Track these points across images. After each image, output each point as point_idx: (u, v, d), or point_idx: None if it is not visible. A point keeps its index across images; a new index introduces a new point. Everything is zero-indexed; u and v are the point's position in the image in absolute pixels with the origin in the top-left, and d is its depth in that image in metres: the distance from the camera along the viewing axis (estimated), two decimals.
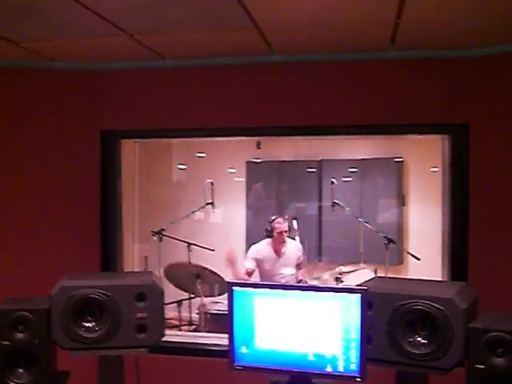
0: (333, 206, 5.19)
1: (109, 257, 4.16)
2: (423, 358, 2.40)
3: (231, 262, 4.94)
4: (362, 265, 5.33)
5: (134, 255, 4.64)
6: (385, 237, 4.69)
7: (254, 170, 7.01)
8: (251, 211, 7.01)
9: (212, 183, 5.48)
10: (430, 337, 2.41)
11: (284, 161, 6.93)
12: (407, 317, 2.44)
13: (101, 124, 4.11)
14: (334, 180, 5.21)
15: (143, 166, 4.73)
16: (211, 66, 3.95)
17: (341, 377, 2.51)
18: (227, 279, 4.32)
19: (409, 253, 5.24)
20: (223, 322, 3.39)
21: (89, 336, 2.61)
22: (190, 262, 5.21)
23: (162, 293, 2.72)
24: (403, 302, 2.44)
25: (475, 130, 3.63)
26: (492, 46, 3.52)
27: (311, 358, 2.55)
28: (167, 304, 3.59)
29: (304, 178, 6.92)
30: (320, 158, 6.80)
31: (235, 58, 3.87)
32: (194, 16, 3.02)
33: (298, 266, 5.20)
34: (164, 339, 2.76)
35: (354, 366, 2.47)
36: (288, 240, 5.18)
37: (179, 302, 5.29)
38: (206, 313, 4.85)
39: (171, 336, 3.99)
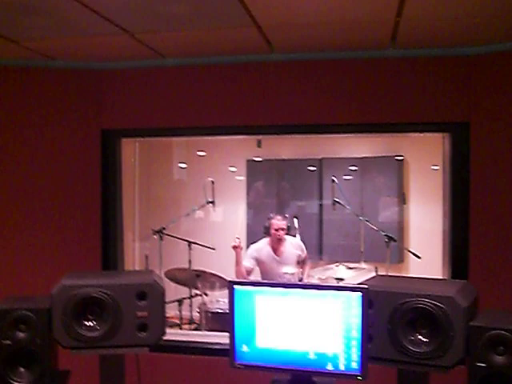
0: (333, 204, 5.18)
1: (109, 256, 4.16)
2: (424, 357, 2.40)
3: (237, 250, 4.95)
4: (362, 264, 5.34)
5: (134, 254, 4.65)
6: (385, 235, 4.69)
7: (254, 169, 7.00)
8: (252, 210, 7.00)
9: (212, 182, 5.48)
10: (431, 335, 2.40)
11: (284, 159, 6.92)
12: (408, 315, 2.44)
13: (101, 123, 4.11)
14: (334, 178, 5.21)
15: (144, 165, 4.74)
16: (211, 64, 3.95)
17: (342, 375, 2.51)
18: (228, 278, 4.32)
19: (409, 251, 5.23)
20: (224, 321, 3.40)
21: (90, 335, 2.61)
22: (190, 267, 5.22)
23: (162, 292, 2.72)
24: (404, 301, 2.44)
25: (476, 128, 3.63)
26: (492, 44, 3.52)
27: (312, 356, 2.54)
28: (168, 303, 3.56)
29: (304, 177, 6.91)
30: (320, 157, 6.80)
31: (235, 56, 3.87)
32: (193, 14, 3.02)
33: (302, 263, 5.19)
34: (165, 338, 2.76)
35: (354, 365, 2.47)
36: (288, 238, 5.18)
37: (180, 301, 5.29)
38: (207, 311, 4.84)
39: (172, 335, 3.99)
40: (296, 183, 6.95)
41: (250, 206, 7.01)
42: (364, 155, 6.67)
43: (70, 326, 2.59)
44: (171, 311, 5.14)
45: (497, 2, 2.82)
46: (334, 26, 3.24)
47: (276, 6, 2.89)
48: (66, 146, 4.05)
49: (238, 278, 4.82)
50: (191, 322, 5.36)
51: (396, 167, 6.66)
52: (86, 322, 2.63)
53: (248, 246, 5.45)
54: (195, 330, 5.06)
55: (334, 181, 5.21)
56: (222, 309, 4.72)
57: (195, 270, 5.14)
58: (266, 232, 5.15)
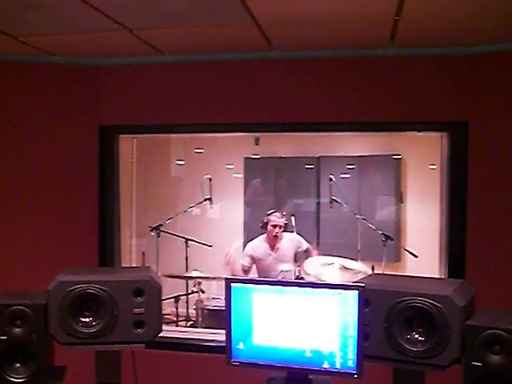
0: (331, 202, 5.19)
1: (106, 252, 4.16)
2: (420, 355, 2.41)
3: (230, 266, 4.94)
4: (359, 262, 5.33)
5: (131, 251, 4.64)
6: (382, 234, 4.69)
7: (252, 166, 7.00)
8: (249, 207, 7.00)
9: (210, 179, 5.47)
10: (428, 334, 2.41)
11: (282, 157, 6.92)
12: (404, 314, 2.44)
13: (99, 119, 4.10)
14: (332, 177, 5.21)
15: (141, 162, 4.73)
16: (210, 61, 3.94)
17: (338, 373, 2.52)
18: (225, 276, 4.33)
19: (406, 250, 5.24)
20: (220, 318, 3.40)
21: (86, 331, 2.61)
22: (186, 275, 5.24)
23: (159, 288, 2.72)
24: (401, 299, 2.45)
25: (474, 127, 3.63)
26: (492, 43, 3.52)
27: (308, 354, 2.55)
28: (164, 299, 3.58)
29: (302, 175, 6.91)
30: (318, 155, 6.80)
31: (234, 53, 3.87)
32: (192, 11, 3.01)
33: (306, 252, 5.17)
34: (161, 335, 2.76)
35: (350, 363, 2.48)
36: (285, 234, 5.18)
37: (176, 298, 5.30)
38: (204, 308, 4.85)
39: (168, 332, 3.99)
40: (293, 181, 6.96)
41: (247, 203, 7.01)
42: (362, 154, 6.67)
43: (66, 322, 2.59)
44: (168, 308, 5.16)
45: (496, 1, 2.82)
46: (333, 25, 3.24)
47: (275, 3, 2.89)
48: (64, 142, 4.04)
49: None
50: (188, 318, 5.37)
51: (394, 166, 6.67)
52: (82, 318, 2.63)
53: (245, 244, 5.46)
54: (192, 326, 5.06)
55: (331, 179, 5.21)
56: (218, 306, 4.73)
57: (190, 277, 5.13)
58: (263, 227, 5.15)
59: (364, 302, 2.46)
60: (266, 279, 3.75)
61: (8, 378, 2.58)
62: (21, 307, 2.59)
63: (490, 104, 3.59)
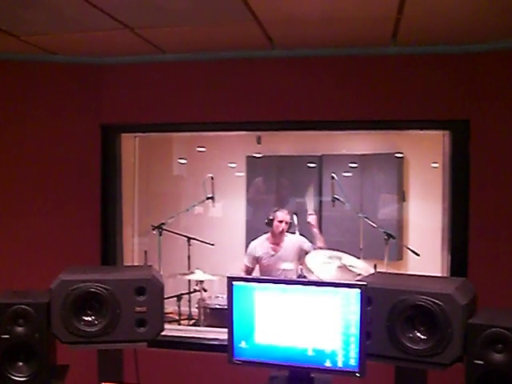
0: (333, 201, 5.19)
1: (109, 251, 4.16)
2: (422, 354, 2.41)
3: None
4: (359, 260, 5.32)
5: (133, 249, 4.65)
6: (385, 232, 4.69)
7: (254, 165, 7.01)
8: (251, 206, 7.01)
9: (212, 178, 5.47)
10: (430, 332, 2.41)
11: (284, 156, 6.92)
12: (406, 312, 2.44)
13: (101, 118, 4.10)
14: (334, 175, 5.20)
15: (143, 160, 4.73)
16: (211, 60, 3.94)
17: (340, 372, 2.52)
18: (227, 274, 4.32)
19: (408, 248, 5.23)
20: (223, 317, 3.40)
21: (88, 330, 2.61)
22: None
23: (161, 287, 2.72)
24: (403, 298, 2.44)
25: (476, 125, 3.62)
26: (494, 41, 3.51)
27: (310, 353, 2.55)
28: (167, 298, 3.58)
29: (304, 173, 6.91)
30: (320, 153, 6.79)
31: (235, 52, 3.86)
32: (194, 9, 3.01)
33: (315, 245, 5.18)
34: (163, 333, 2.76)
35: (353, 362, 2.48)
36: (288, 235, 5.18)
37: (179, 297, 5.31)
38: (206, 307, 4.85)
39: (170, 330, 4.00)
40: (295, 180, 6.96)
41: (249, 202, 7.02)
42: (364, 152, 6.67)
43: (68, 321, 2.60)
44: (170, 307, 5.16)
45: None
46: (334, 23, 3.23)
47: (276, 1, 2.89)
48: (66, 141, 4.04)
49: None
50: (190, 317, 5.38)
51: (396, 164, 6.66)
52: (84, 317, 2.63)
53: (247, 241, 5.46)
54: (194, 325, 5.07)
55: (333, 177, 5.20)
56: (220, 305, 4.73)
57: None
58: (269, 224, 5.15)
59: (366, 301, 2.45)
60: (268, 278, 3.75)
61: (10, 376, 2.58)
62: (23, 306, 2.59)
63: (491, 102, 3.58)
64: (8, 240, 3.93)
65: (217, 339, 3.90)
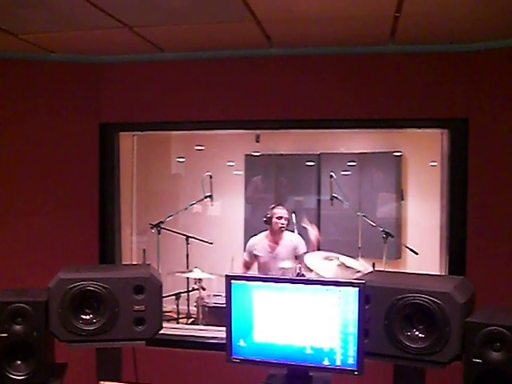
0: (331, 199, 5.19)
1: (107, 249, 4.16)
2: (420, 352, 2.41)
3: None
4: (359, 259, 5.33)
5: (132, 248, 4.64)
6: (383, 231, 4.69)
7: (252, 164, 7.00)
8: (250, 204, 7.00)
9: (211, 176, 5.47)
10: (428, 331, 2.41)
11: (283, 154, 6.91)
12: (405, 311, 2.44)
13: (99, 116, 4.10)
14: (332, 174, 5.20)
15: (141, 159, 4.72)
16: (210, 58, 3.94)
17: (338, 370, 2.52)
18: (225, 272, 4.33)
19: (407, 247, 5.24)
20: (221, 315, 3.40)
21: (87, 328, 2.62)
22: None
23: (160, 286, 2.72)
24: (401, 296, 2.45)
25: (474, 124, 3.62)
26: (492, 40, 3.51)
27: (309, 351, 2.55)
28: (165, 297, 3.58)
29: (303, 172, 6.91)
30: (319, 152, 6.79)
31: (234, 50, 3.86)
32: (192, 8, 3.00)
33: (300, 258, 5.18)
34: (162, 332, 2.76)
35: (351, 360, 2.48)
36: (287, 233, 5.18)
37: (177, 295, 5.30)
38: (204, 306, 4.85)
39: (169, 329, 4.00)
40: (294, 178, 6.95)
41: (247, 200, 7.01)
42: (362, 151, 6.66)
43: (67, 320, 2.60)
44: (168, 305, 5.16)
45: None
46: (333, 21, 3.23)
47: (275, 0, 2.88)
48: (64, 140, 4.04)
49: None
50: (188, 316, 5.37)
51: (394, 163, 6.66)
52: (83, 316, 2.64)
53: (245, 240, 5.46)
54: (192, 324, 5.07)
55: (332, 176, 5.20)
56: (219, 303, 4.73)
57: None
58: (268, 222, 5.15)
59: (364, 299, 2.46)
60: (267, 276, 3.75)
61: (9, 375, 2.58)
62: (21, 304, 2.59)
63: (490, 100, 3.58)
64: (6, 238, 3.93)
65: (215, 337, 3.90)
